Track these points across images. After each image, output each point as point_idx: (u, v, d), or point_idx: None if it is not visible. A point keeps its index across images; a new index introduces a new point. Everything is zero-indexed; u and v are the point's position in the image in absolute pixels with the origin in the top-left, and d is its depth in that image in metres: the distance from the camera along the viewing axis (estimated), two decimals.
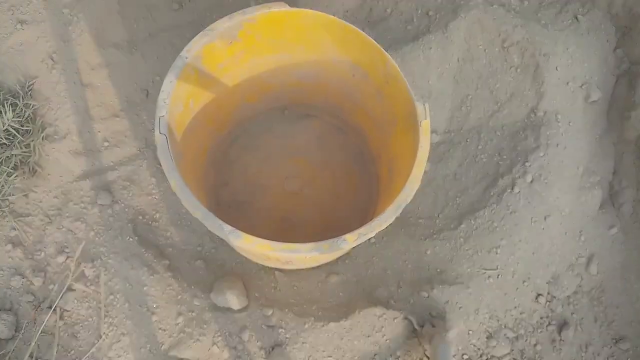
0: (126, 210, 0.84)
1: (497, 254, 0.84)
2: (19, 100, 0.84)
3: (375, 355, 0.78)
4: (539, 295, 0.85)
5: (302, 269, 0.86)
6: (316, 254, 0.58)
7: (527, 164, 0.88)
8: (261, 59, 0.77)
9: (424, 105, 0.66)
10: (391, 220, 0.61)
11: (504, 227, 0.86)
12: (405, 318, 0.80)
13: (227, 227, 0.58)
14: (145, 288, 0.78)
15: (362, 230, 0.60)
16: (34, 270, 0.79)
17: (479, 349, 0.81)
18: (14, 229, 0.80)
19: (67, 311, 0.77)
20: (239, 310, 0.80)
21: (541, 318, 0.84)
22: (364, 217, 0.89)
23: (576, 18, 0.96)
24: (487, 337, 0.81)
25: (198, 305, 0.79)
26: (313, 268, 0.86)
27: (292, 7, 0.71)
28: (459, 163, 0.93)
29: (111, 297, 0.78)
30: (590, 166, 0.91)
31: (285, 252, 0.58)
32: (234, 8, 0.88)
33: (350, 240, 0.59)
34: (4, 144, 0.82)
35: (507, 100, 0.93)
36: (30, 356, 0.73)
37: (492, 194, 0.89)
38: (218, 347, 0.77)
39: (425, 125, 0.66)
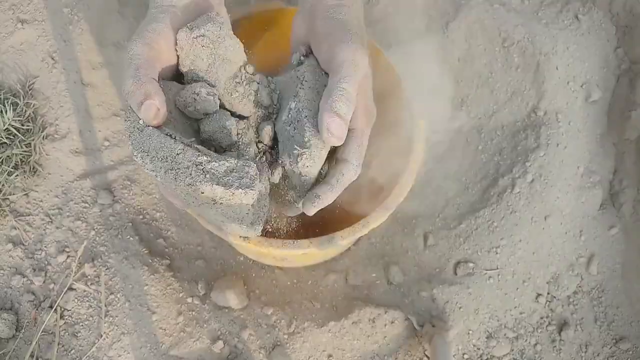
0: (127, 209, 0.84)
1: (497, 254, 0.84)
2: (20, 100, 0.84)
3: (375, 354, 0.78)
4: (539, 295, 0.85)
5: (302, 268, 0.86)
6: (312, 250, 0.59)
7: (527, 163, 0.89)
8: (259, 57, 0.77)
9: (420, 104, 0.67)
10: (384, 218, 0.62)
11: (504, 227, 0.86)
12: (406, 318, 0.80)
13: None
14: (145, 287, 0.78)
15: (357, 226, 0.60)
16: (34, 270, 0.79)
17: (478, 348, 0.81)
18: (15, 228, 0.80)
19: (68, 310, 0.77)
20: (239, 310, 0.80)
21: (541, 318, 0.84)
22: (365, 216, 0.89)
23: (577, 18, 0.96)
24: (487, 337, 0.81)
25: (198, 304, 0.79)
26: (313, 267, 0.86)
27: (289, 6, 0.71)
28: (459, 163, 0.93)
29: (111, 296, 0.78)
30: (591, 166, 0.91)
31: (279, 248, 0.58)
32: (234, 6, 0.88)
33: (343, 237, 0.60)
34: (5, 143, 0.82)
35: (507, 100, 0.93)
36: (31, 355, 0.73)
37: (492, 193, 0.89)
38: (218, 347, 0.77)
39: (420, 124, 0.66)
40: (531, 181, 0.88)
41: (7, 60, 0.86)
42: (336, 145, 0.46)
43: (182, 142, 0.42)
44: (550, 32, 0.94)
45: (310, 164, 0.46)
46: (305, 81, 0.49)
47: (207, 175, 0.41)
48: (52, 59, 0.87)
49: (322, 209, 0.50)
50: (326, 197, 0.48)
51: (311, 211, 0.49)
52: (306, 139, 0.45)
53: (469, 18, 0.93)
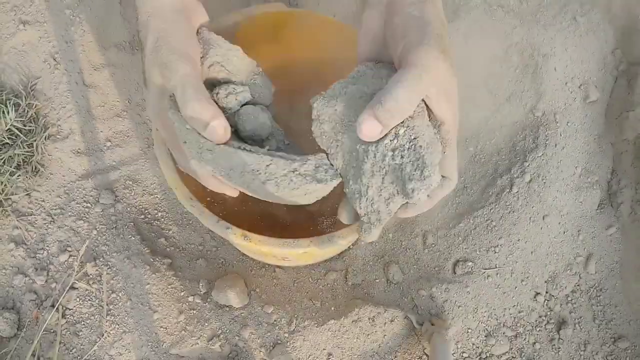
0: (128, 209, 0.85)
1: (496, 253, 0.85)
2: (22, 100, 0.84)
3: (375, 353, 0.79)
4: (537, 294, 0.85)
5: (302, 267, 0.86)
6: (312, 249, 0.59)
7: (525, 163, 0.89)
8: (260, 58, 0.78)
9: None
10: None
11: (503, 227, 0.86)
12: (405, 317, 0.80)
13: (223, 223, 0.58)
14: (146, 286, 0.79)
15: (354, 227, 0.60)
16: (36, 269, 0.79)
17: (477, 347, 0.81)
18: (17, 227, 0.81)
19: (70, 309, 0.77)
20: (240, 308, 0.80)
21: (540, 317, 0.84)
22: None
23: (575, 19, 0.97)
24: (485, 336, 0.82)
25: (199, 303, 0.80)
26: (313, 266, 0.87)
27: (290, 8, 0.71)
28: (458, 163, 0.93)
29: (113, 295, 0.78)
30: (589, 166, 0.92)
31: (280, 247, 0.58)
32: (235, 9, 0.89)
33: (343, 236, 0.60)
34: (7, 143, 0.83)
35: (505, 100, 0.94)
36: (33, 354, 0.74)
37: (490, 193, 0.90)
38: (219, 345, 0.77)
39: None
40: (529, 181, 0.88)
41: (9, 61, 0.87)
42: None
43: (265, 155, 0.46)
44: (549, 33, 0.94)
45: (424, 197, 0.45)
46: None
47: (307, 178, 0.46)
48: (54, 60, 0.88)
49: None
50: (424, 207, 0.49)
51: (410, 214, 0.49)
52: (426, 174, 0.44)
53: (467, 19, 0.93)
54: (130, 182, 0.86)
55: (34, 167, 0.83)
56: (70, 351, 0.75)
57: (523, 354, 0.82)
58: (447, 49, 0.45)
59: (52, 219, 0.82)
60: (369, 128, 0.43)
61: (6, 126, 0.81)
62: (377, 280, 0.86)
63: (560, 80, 0.93)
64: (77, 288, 0.78)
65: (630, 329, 0.85)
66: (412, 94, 0.43)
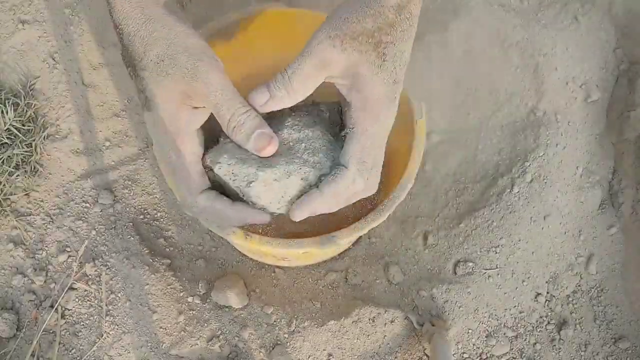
0: (127, 209, 0.84)
1: (497, 254, 0.85)
2: (21, 100, 0.84)
3: (375, 353, 0.78)
4: (538, 294, 0.85)
5: (302, 268, 0.86)
6: (312, 249, 0.59)
7: (526, 163, 0.89)
8: (260, 58, 0.78)
9: (419, 104, 0.67)
10: (384, 217, 0.62)
11: (504, 227, 0.86)
12: (406, 317, 0.80)
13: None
14: (146, 287, 0.79)
15: (356, 225, 0.60)
16: (35, 270, 0.79)
17: (478, 348, 0.81)
18: (16, 228, 0.80)
19: (69, 310, 0.77)
20: (240, 309, 0.80)
21: (540, 317, 0.84)
22: (365, 216, 0.89)
23: (576, 18, 0.96)
24: (486, 336, 0.81)
25: (198, 304, 0.80)
26: (313, 266, 0.87)
27: (290, 7, 0.71)
28: (458, 163, 0.93)
29: (112, 296, 0.78)
30: (590, 166, 0.92)
31: (279, 247, 0.58)
32: (234, 8, 0.89)
33: (343, 236, 0.59)
34: (6, 143, 0.82)
35: (506, 100, 0.94)
36: (32, 355, 0.73)
37: (491, 193, 0.89)
38: (219, 346, 0.77)
39: (420, 124, 0.66)
40: (530, 181, 0.88)
41: (8, 61, 0.87)
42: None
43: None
44: (550, 32, 0.94)
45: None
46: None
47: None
48: (53, 59, 0.88)
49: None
50: (312, 203, 0.45)
51: (296, 216, 0.47)
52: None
53: (468, 19, 0.93)
54: (129, 182, 0.86)
55: (32, 167, 0.83)
56: (70, 352, 0.75)
57: (523, 354, 0.81)
58: (362, 36, 0.43)
59: (51, 219, 0.82)
60: (258, 96, 0.45)
61: (5, 126, 0.81)
62: (377, 281, 0.85)
63: (561, 79, 0.93)
64: (76, 288, 0.78)
65: (631, 330, 0.85)
66: (307, 78, 0.45)
